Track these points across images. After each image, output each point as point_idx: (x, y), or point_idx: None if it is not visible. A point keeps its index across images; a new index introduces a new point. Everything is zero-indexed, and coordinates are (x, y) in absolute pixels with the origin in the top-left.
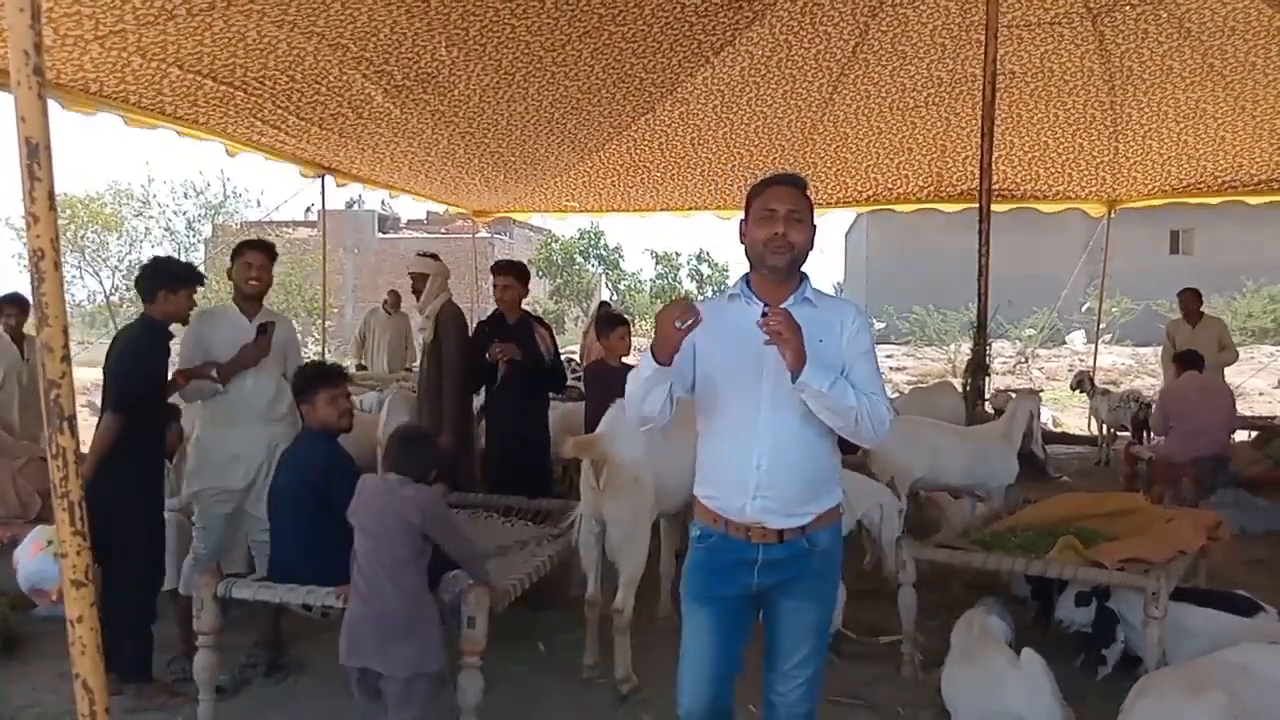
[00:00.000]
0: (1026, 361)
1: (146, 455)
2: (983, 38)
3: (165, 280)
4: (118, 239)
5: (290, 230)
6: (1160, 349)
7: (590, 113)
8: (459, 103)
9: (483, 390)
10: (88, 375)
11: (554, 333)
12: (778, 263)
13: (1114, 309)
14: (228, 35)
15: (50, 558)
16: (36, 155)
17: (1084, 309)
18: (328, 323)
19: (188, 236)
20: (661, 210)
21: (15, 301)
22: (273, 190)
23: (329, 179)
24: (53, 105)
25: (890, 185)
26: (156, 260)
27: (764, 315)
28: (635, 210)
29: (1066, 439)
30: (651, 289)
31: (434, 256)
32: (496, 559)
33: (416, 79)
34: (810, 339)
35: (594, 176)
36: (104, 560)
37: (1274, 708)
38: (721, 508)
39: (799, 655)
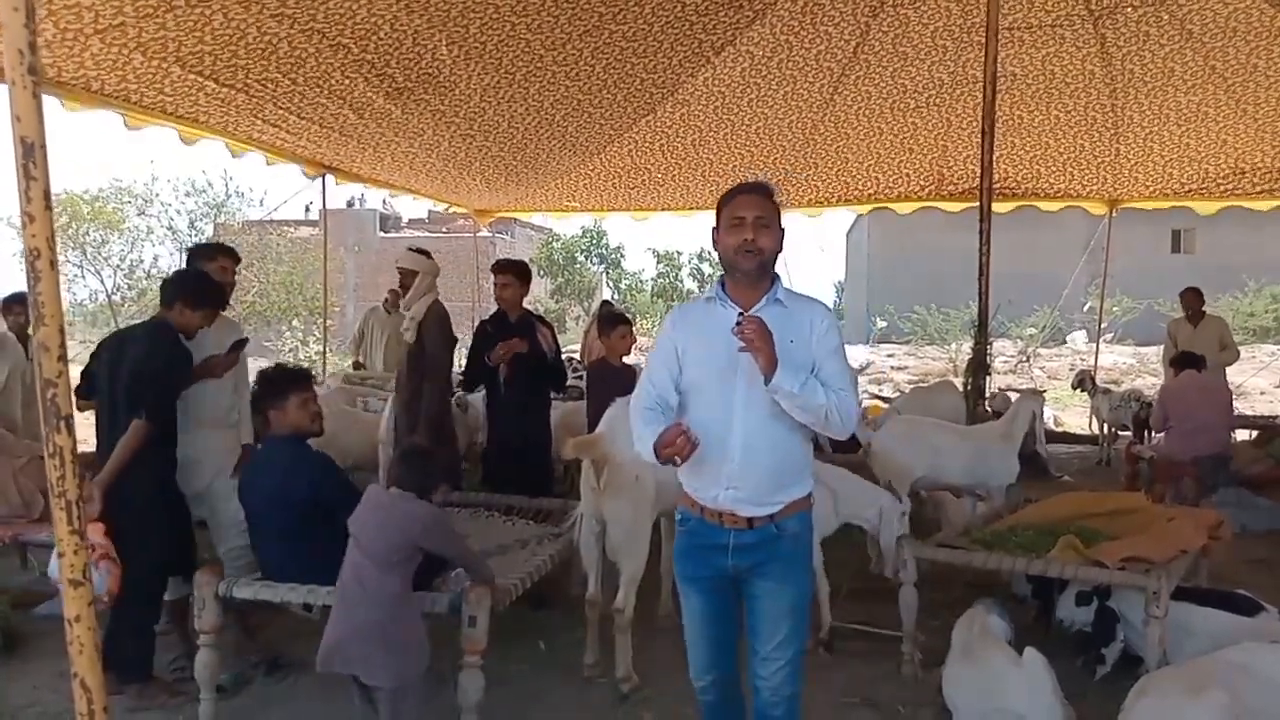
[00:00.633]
0: (1027, 361)
1: (159, 456)
2: (983, 39)
3: (192, 296)
4: (119, 238)
5: (291, 229)
6: (1162, 348)
7: (591, 114)
8: (459, 103)
9: (484, 389)
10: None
11: (555, 332)
12: (748, 266)
13: (1115, 308)
14: (228, 32)
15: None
16: (32, 154)
17: (1085, 308)
18: (329, 322)
19: (190, 235)
20: (663, 210)
21: (22, 301)
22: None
23: (330, 178)
24: (54, 103)
25: (891, 185)
26: (198, 274)
27: (738, 323)
28: (637, 210)
29: (1068, 438)
30: (653, 288)
31: (426, 254)
32: (496, 557)
33: (417, 79)
34: (781, 340)
35: (595, 177)
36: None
37: (1275, 707)
38: (699, 496)
39: (778, 636)
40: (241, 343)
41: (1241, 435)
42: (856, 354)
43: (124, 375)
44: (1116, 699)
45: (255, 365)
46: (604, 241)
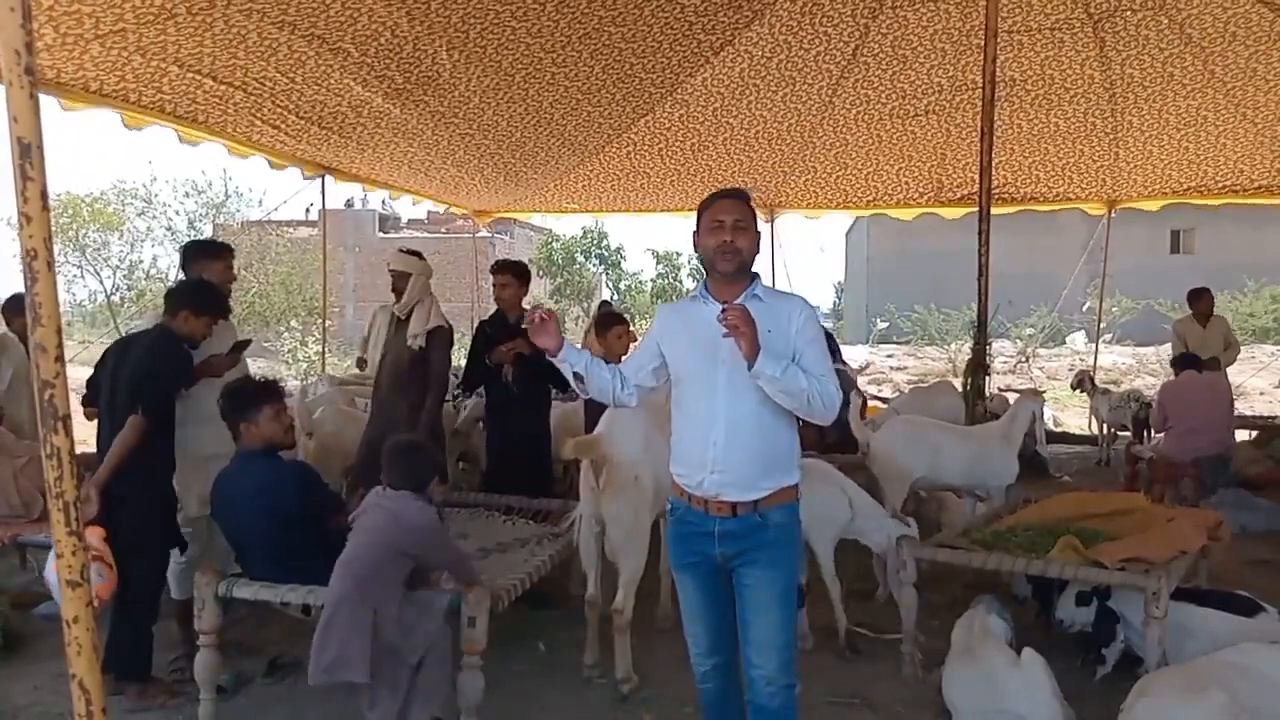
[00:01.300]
0: (1027, 361)
1: (157, 457)
2: (982, 42)
3: (196, 304)
4: (119, 239)
5: (291, 229)
6: (1161, 348)
7: (590, 115)
8: (459, 104)
9: (484, 390)
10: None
11: None
12: (728, 267)
13: (1114, 308)
14: (228, 37)
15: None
16: (29, 155)
17: (1084, 308)
18: (328, 322)
19: (189, 236)
20: (662, 212)
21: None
22: (274, 189)
23: (329, 178)
24: (52, 104)
25: (890, 193)
26: (200, 283)
27: (723, 312)
28: (636, 211)
29: (1067, 438)
30: (653, 288)
31: (418, 254)
32: (496, 556)
33: (417, 81)
34: (760, 330)
35: (594, 178)
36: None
37: (1274, 707)
38: (686, 483)
39: (768, 625)
40: (244, 344)
41: (1241, 435)
42: (856, 354)
43: (124, 377)
44: (1116, 699)
45: (255, 366)
46: (604, 242)
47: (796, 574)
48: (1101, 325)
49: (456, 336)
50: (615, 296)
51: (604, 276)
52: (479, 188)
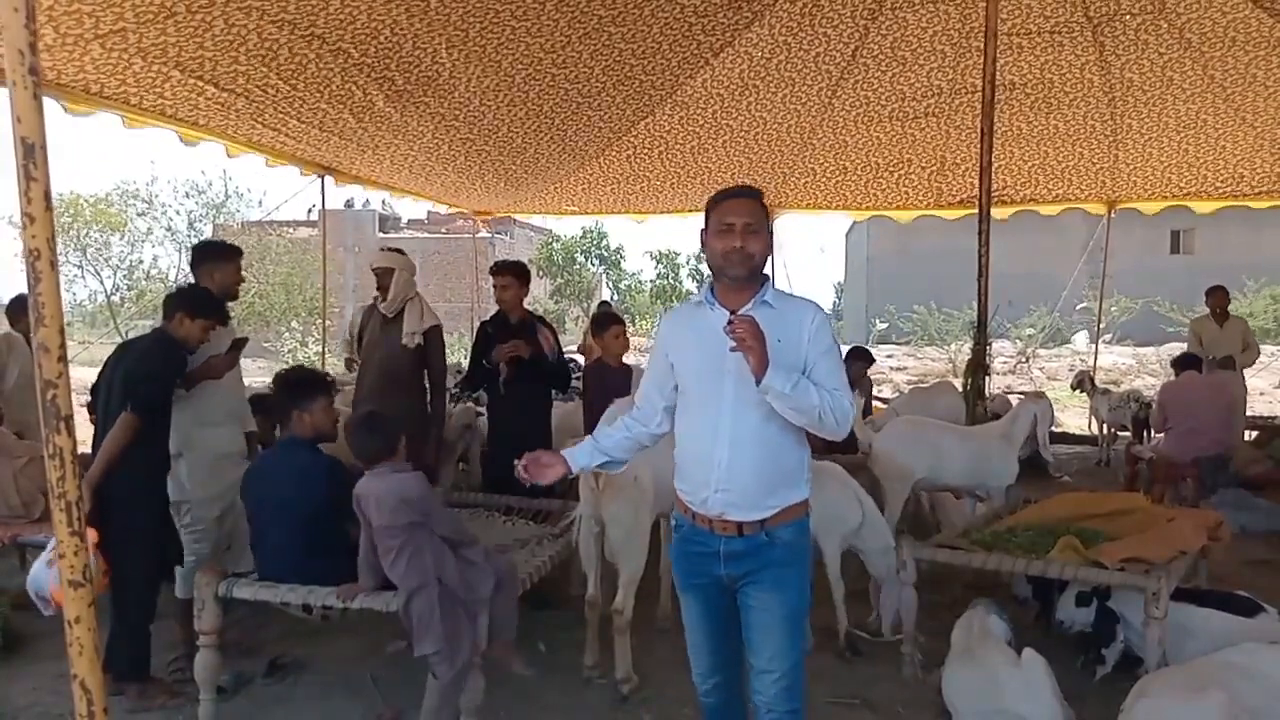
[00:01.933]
0: (1027, 361)
1: (152, 457)
2: (982, 45)
3: (192, 308)
4: (120, 239)
5: (291, 230)
6: (1161, 348)
7: (590, 117)
8: (459, 107)
9: (484, 390)
10: (89, 375)
11: (556, 333)
12: (739, 274)
13: (1113, 309)
14: (229, 37)
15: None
16: (32, 155)
17: (1079, 308)
18: (328, 323)
19: (189, 236)
20: (661, 213)
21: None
22: (274, 190)
23: (329, 179)
24: (55, 106)
25: (889, 198)
26: (195, 289)
27: (730, 323)
28: (635, 213)
29: (1067, 439)
30: (652, 289)
31: (399, 251)
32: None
33: (417, 82)
34: (769, 340)
35: (594, 180)
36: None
37: (1274, 707)
38: (690, 500)
39: (771, 648)
40: (241, 342)
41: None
42: None
43: (119, 377)
44: (1116, 699)
45: (254, 366)
46: (604, 242)
47: (807, 595)
48: (1101, 325)
49: (456, 336)
50: (615, 297)
51: (604, 277)
52: (479, 190)
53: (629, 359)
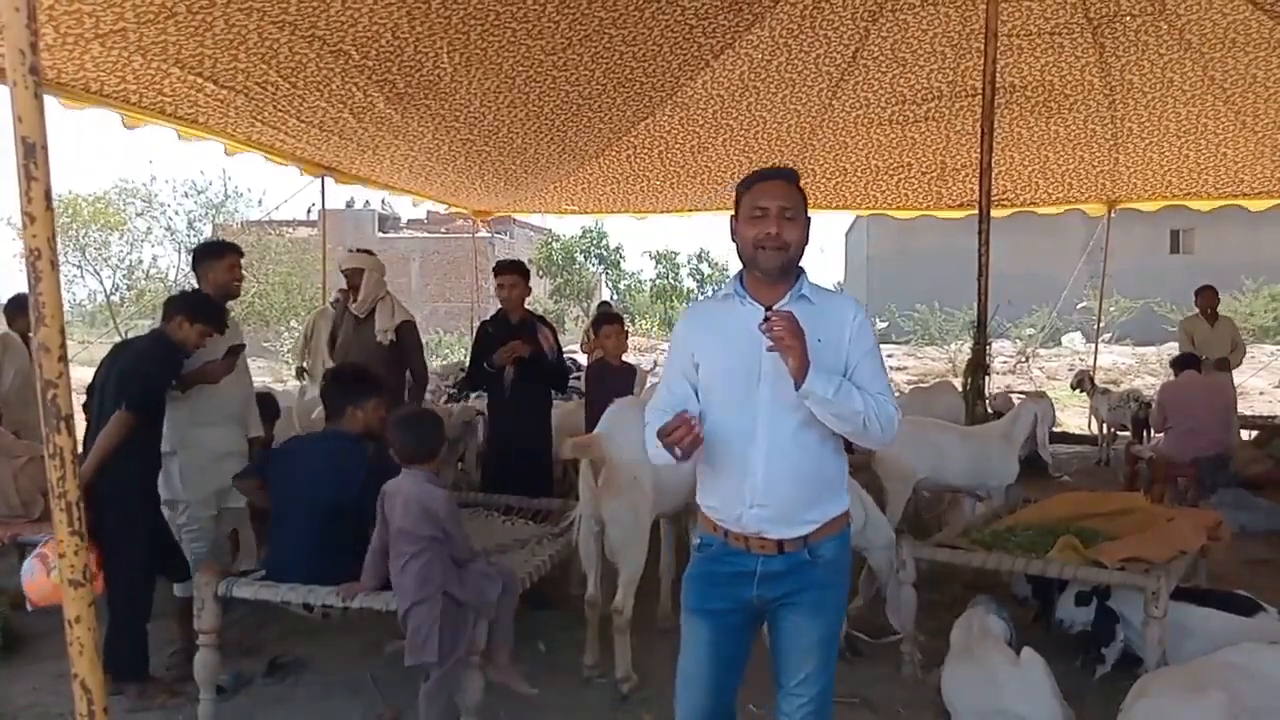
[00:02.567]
0: (1027, 361)
1: (146, 456)
2: (982, 45)
3: (190, 311)
4: (119, 238)
5: (290, 229)
6: (1162, 348)
7: (590, 118)
8: (460, 108)
9: (484, 390)
10: (88, 375)
11: (556, 332)
12: (772, 264)
13: (1112, 308)
14: (229, 37)
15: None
16: (33, 155)
17: (1079, 307)
18: None
19: (188, 236)
20: (662, 213)
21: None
22: (274, 189)
23: (329, 179)
24: (53, 102)
25: (889, 200)
26: (196, 294)
27: (766, 320)
28: (635, 213)
29: (1067, 438)
30: (652, 289)
31: (368, 252)
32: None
33: (418, 85)
34: (809, 339)
35: (594, 180)
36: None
37: (1274, 707)
38: (721, 517)
39: (803, 672)
40: (238, 348)
41: (1241, 435)
42: None
43: (114, 376)
44: (1116, 699)
45: (254, 366)
46: (604, 242)
47: (843, 615)
48: (1101, 325)
49: (456, 336)
50: (615, 296)
51: (603, 276)
52: (480, 190)
53: (628, 358)
